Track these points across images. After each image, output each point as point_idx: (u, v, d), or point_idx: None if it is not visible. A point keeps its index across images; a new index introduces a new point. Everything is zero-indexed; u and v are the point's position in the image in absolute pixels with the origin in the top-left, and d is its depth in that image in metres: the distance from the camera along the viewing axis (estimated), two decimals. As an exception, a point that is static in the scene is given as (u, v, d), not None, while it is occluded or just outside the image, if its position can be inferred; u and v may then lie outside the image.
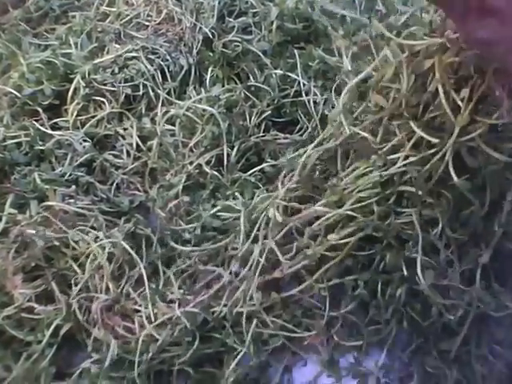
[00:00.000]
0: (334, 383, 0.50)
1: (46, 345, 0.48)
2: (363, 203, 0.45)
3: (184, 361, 0.49)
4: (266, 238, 0.49)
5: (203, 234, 0.54)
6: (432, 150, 0.41)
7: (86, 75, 0.62)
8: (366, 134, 0.45)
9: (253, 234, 0.50)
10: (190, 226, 0.54)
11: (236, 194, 0.54)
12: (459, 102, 0.39)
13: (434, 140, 0.40)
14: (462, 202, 0.43)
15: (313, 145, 0.49)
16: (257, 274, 0.48)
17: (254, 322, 0.49)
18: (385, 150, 0.44)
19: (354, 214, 0.45)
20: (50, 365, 0.48)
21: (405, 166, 0.43)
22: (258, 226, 0.50)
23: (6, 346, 0.49)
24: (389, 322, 0.48)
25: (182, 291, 0.52)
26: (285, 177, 0.52)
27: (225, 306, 0.49)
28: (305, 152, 0.50)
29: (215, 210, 0.54)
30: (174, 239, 0.55)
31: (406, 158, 0.43)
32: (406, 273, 0.44)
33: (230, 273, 0.51)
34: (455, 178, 0.40)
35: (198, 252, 0.53)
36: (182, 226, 0.55)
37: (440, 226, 0.43)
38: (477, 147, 0.40)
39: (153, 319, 0.50)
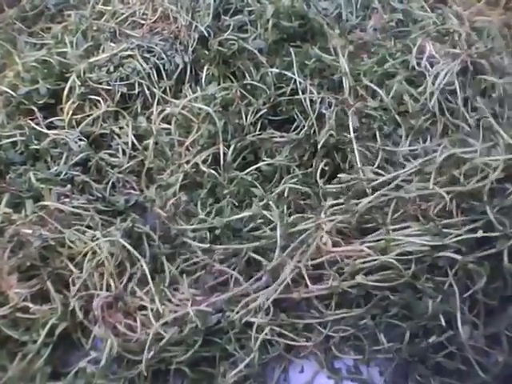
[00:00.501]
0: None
1: (42, 344, 0.48)
2: (406, 257, 0.46)
3: (182, 360, 0.49)
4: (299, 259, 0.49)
5: (213, 234, 0.53)
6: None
7: (82, 74, 0.62)
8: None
9: (288, 250, 0.49)
10: (198, 225, 0.54)
11: (270, 203, 0.53)
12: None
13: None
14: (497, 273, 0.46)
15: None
16: (278, 290, 0.48)
17: (262, 334, 0.49)
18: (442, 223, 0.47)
19: (396, 264, 0.46)
20: (45, 364, 0.48)
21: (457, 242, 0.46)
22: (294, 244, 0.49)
23: (1, 346, 0.49)
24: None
25: (192, 290, 0.51)
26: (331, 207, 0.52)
27: (236, 312, 0.49)
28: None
29: (243, 214, 0.53)
30: (176, 238, 0.54)
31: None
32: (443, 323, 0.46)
33: (256, 280, 0.50)
34: (506, 261, 0.45)
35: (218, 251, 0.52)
36: (188, 226, 0.54)
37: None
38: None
39: (160, 317, 0.49)
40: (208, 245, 0.51)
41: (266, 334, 0.49)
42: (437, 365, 0.47)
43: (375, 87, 0.56)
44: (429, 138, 0.54)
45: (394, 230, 0.48)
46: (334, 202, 0.51)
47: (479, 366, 0.45)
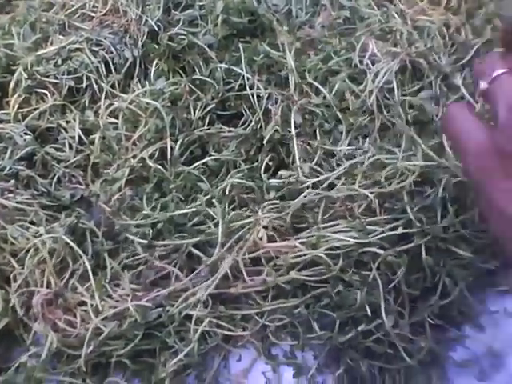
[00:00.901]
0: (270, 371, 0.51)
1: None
2: (334, 252, 0.49)
3: (122, 353, 0.50)
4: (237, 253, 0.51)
5: (156, 229, 0.54)
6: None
7: (29, 67, 0.61)
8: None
9: (226, 246, 0.51)
10: (141, 220, 0.54)
11: (214, 200, 0.54)
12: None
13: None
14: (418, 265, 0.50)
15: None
16: (214, 283, 0.50)
17: (201, 326, 0.50)
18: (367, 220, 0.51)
19: (326, 258, 0.49)
20: (-14, 360, 0.48)
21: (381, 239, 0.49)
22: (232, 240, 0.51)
23: None
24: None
25: (132, 286, 0.52)
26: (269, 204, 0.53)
27: (176, 306, 0.50)
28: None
29: (186, 210, 0.54)
30: (119, 233, 0.55)
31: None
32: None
33: (196, 275, 0.51)
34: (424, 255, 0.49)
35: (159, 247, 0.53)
36: (132, 221, 0.54)
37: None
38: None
39: (99, 312, 0.50)
40: (147, 241, 0.52)
41: (204, 326, 0.50)
42: (366, 349, 0.49)
43: (317, 84, 0.57)
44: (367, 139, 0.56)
45: (324, 228, 0.50)
46: (271, 201, 0.53)
47: (405, 351, 0.48)
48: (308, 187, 0.53)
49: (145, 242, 0.52)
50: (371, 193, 0.51)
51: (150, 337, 0.50)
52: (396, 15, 0.63)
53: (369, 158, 0.53)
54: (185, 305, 0.50)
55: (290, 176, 0.56)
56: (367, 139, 0.57)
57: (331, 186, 0.54)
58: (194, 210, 0.53)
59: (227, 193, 0.54)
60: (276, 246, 0.51)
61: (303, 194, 0.52)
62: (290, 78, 0.59)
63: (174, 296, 0.51)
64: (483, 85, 0.39)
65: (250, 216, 0.53)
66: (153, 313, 0.50)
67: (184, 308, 0.50)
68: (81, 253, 0.52)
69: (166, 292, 0.51)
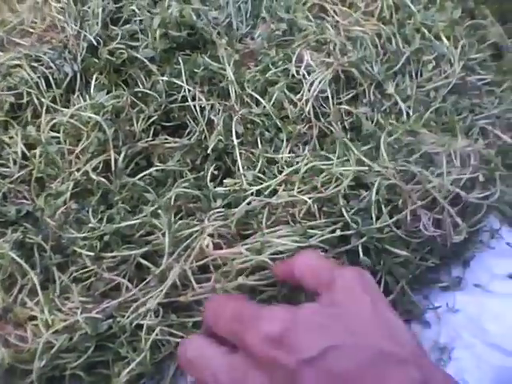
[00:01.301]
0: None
1: None
2: (278, 256, 0.51)
3: (75, 366, 0.50)
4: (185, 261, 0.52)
5: (103, 242, 0.54)
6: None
7: (-32, 84, 0.61)
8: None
9: (174, 255, 0.52)
10: (88, 233, 0.54)
11: (159, 211, 0.55)
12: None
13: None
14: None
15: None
16: (163, 292, 0.51)
17: (153, 335, 0.50)
18: (308, 224, 0.53)
19: (270, 263, 0.50)
20: None
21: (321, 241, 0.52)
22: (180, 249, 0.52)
23: None
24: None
25: (82, 298, 0.52)
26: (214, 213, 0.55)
27: (126, 317, 0.51)
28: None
29: (133, 222, 0.54)
30: (67, 247, 0.55)
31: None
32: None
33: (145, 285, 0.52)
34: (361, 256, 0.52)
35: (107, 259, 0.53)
36: (78, 234, 0.54)
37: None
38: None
39: (50, 326, 0.50)
40: (94, 253, 0.53)
41: (156, 335, 0.51)
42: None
43: (256, 95, 0.60)
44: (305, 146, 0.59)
45: (268, 233, 0.52)
46: (217, 210, 0.54)
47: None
48: (252, 194, 0.56)
49: (92, 254, 0.53)
50: (310, 198, 0.53)
51: (103, 348, 0.51)
52: (330, 27, 0.66)
53: (306, 164, 0.55)
54: (135, 315, 0.51)
55: (235, 184, 0.58)
56: (306, 146, 0.60)
57: (274, 193, 0.56)
58: (140, 221, 0.54)
59: (173, 203, 0.55)
60: (223, 253, 0.52)
61: (246, 201, 0.54)
62: (230, 89, 0.61)
63: (125, 307, 0.52)
64: None
65: (196, 225, 0.54)
66: (103, 324, 0.51)
67: (135, 318, 0.51)
68: (28, 268, 0.52)
69: (115, 303, 0.51)
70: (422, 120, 0.60)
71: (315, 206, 0.53)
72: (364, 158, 0.54)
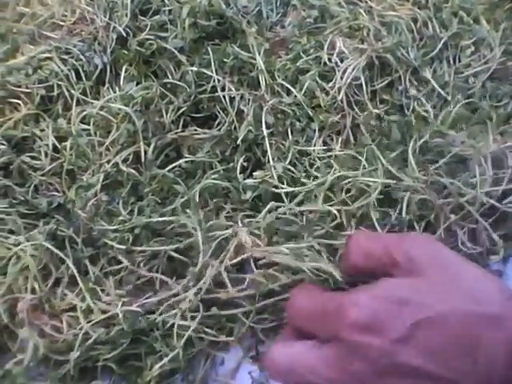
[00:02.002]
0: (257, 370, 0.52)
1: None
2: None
3: (109, 358, 0.50)
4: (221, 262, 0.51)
5: (134, 234, 0.54)
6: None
7: (0, 77, 0.62)
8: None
9: (209, 253, 0.51)
10: (119, 225, 0.54)
11: (188, 211, 0.54)
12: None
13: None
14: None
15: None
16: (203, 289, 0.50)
17: (187, 333, 0.49)
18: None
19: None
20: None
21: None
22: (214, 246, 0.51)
23: None
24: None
25: (118, 291, 0.52)
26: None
27: (163, 313, 0.50)
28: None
29: (165, 218, 0.54)
30: (98, 239, 0.55)
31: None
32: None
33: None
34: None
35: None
36: (110, 226, 0.54)
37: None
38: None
39: (90, 314, 0.50)
40: (125, 246, 0.52)
41: (190, 333, 0.50)
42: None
43: (287, 84, 0.58)
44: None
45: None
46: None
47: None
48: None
49: (122, 247, 0.53)
50: (338, 211, 0.51)
51: (137, 341, 0.51)
52: (364, 12, 0.64)
53: (332, 174, 0.53)
54: (174, 312, 0.50)
55: (265, 176, 0.56)
56: (340, 137, 0.58)
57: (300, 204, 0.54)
58: (170, 218, 0.53)
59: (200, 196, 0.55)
60: (264, 250, 0.50)
61: (278, 212, 0.53)
62: (260, 78, 0.60)
63: (162, 303, 0.51)
64: None
65: (228, 226, 0.53)
66: (141, 320, 0.50)
67: (173, 316, 0.50)
68: (65, 258, 0.52)
69: (155, 299, 0.51)
70: (449, 118, 0.57)
71: (344, 219, 0.52)
72: (392, 170, 0.51)
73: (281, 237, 0.52)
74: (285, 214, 0.52)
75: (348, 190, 0.53)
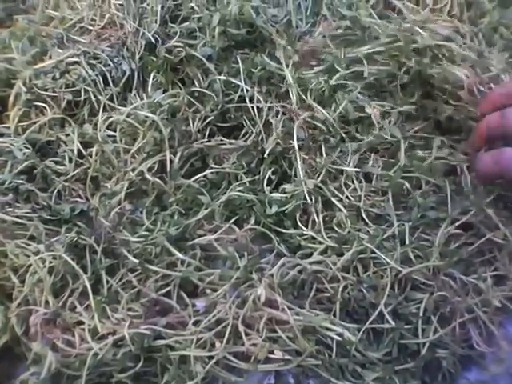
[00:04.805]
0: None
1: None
2: None
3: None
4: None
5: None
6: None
7: (27, 80, 0.61)
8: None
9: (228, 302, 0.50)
10: (140, 238, 0.54)
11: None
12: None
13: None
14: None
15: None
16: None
17: (207, 368, 0.48)
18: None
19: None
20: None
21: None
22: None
23: None
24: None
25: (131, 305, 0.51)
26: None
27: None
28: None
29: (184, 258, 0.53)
30: (119, 248, 0.54)
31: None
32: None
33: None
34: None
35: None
36: (132, 237, 0.54)
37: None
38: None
39: (97, 332, 0.49)
40: (138, 261, 0.52)
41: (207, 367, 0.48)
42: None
43: (317, 105, 0.57)
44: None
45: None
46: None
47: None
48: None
49: (135, 260, 0.52)
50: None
51: (151, 359, 0.49)
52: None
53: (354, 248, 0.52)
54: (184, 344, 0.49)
55: (294, 190, 0.55)
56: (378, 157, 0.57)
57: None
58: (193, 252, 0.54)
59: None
60: (273, 314, 0.49)
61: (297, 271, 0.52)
62: (290, 91, 0.59)
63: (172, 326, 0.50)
64: None
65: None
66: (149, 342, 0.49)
67: (183, 347, 0.49)
68: (80, 272, 0.51)
69: (164, 321, 0.50)
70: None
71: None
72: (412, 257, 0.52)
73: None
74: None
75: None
